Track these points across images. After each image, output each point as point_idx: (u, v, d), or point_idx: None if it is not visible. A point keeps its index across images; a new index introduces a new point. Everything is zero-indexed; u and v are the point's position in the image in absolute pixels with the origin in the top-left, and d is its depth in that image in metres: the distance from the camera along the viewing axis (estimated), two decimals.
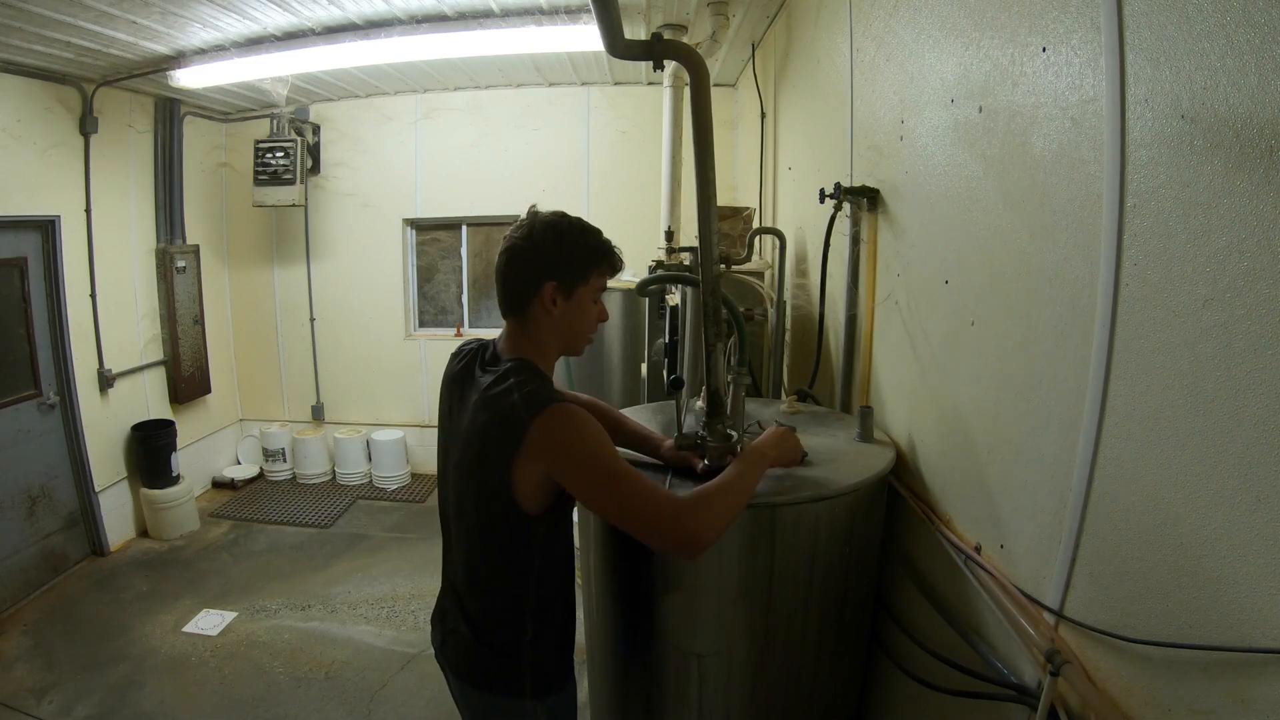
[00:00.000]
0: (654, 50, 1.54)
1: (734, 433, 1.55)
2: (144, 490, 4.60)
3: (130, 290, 4.66)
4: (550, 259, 1.41)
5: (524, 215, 1.48)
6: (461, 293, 5.68)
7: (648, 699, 1.65)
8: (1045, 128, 1.15)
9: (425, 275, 5.70)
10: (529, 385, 1.31)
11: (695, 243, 1.81)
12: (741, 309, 1.86)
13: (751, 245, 2.84)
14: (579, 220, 1.48)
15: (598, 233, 1.49)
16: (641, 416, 1.97)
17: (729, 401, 1.63)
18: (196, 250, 5.10)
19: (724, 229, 3.03)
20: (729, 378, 1.69)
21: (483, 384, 1.37)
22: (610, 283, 1.56)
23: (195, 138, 5.08)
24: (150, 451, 4.61)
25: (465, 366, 1.47)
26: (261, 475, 5.65)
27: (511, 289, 1.42)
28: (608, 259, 1.48)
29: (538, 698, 1.42)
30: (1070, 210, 1.08)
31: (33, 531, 3.95)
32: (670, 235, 3.52)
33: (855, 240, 2.03)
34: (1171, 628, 0.88)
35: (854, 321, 2.09)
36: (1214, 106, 0.80)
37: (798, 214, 2.92)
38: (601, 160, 5.17)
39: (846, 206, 2.03)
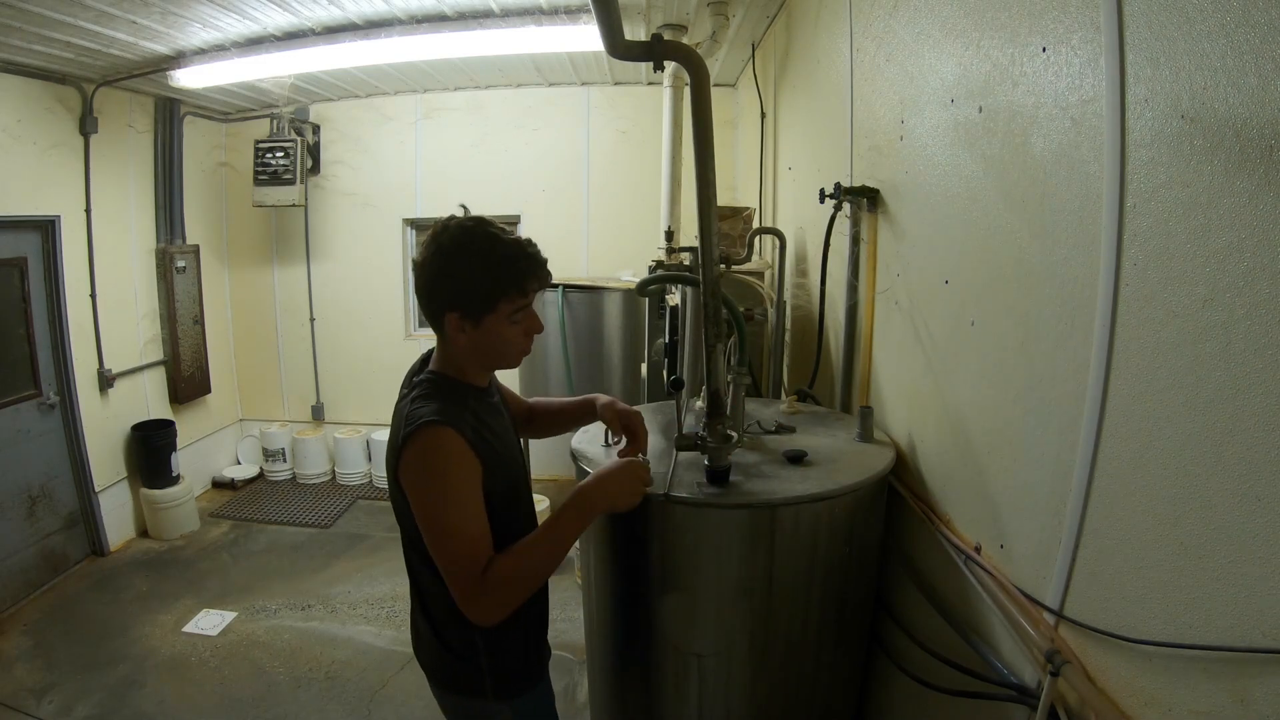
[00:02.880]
0: (654, 51, 1.54)
1: (734, 433, 1.55)
2: (144, 490, 4.60)
3: (130, 290, 4.66)
4: (448, 288, 1.30)
5: (440, 220, 1.34)
6: None
7: (648, 699, 1.65)
8: (1045, 128, 1.15)
9: None
10: (418, 404, 1.28)
11: (695, 243, 1.81)
12: (741, 309, 1.86)
13: (751, 245, 2.84)
14: (488, 234, 1.30)
15: (512, 247, 1.31)
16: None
17: (729, 401, 1.63)
18: (196, 250, 5.10)
19: (724, 229, 3.03)
20: (729, 378, 1.69)
21: (401, 394, 1.39)
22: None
23: (195, 138, 5.07)
24: (150, 451, 4.61)
25: (410, 372, 1.47)
26: (261, 475, 5.65)
27: (422, 307, 1.35)
28: (516, 282, 1.30)
29: (502, 699, 1.40)
30: (1070, 210, 1.08)
31: (33, 531, 3.95)
32: (670, 235, 3.52)
33: (855, 240, 2.03)
34: (1171, 628, 0.88)
35: (854, 321, 2.09)
36: (1214, 106, 0.80)
37: (798, 214, 2.92)
38: (601, 160, 5.17)
39: (846, 206, 2.03)
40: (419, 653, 1.49)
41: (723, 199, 3.88)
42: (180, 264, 4.91)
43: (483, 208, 5.32)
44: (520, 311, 1.33)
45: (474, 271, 1.28)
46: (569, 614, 3.38)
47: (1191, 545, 0.85)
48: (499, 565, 1.23)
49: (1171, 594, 0.88)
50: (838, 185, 1.98)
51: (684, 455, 1.59)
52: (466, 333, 1.31)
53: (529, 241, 1.35)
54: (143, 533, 4.67)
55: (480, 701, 1.40)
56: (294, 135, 4.95)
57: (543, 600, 1.52)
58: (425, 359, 1.46)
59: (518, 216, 5.30)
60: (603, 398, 1.62)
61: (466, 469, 1.25)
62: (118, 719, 2.92)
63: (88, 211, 4.27)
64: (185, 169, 4.94)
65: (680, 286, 2.66)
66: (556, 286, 3.70)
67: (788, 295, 2.85)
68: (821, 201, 2.07)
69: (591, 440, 1.74)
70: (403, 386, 1.43)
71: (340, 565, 4.28)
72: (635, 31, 3.66)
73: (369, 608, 3.79)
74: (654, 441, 1.75)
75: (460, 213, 1.36)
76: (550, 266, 1.37)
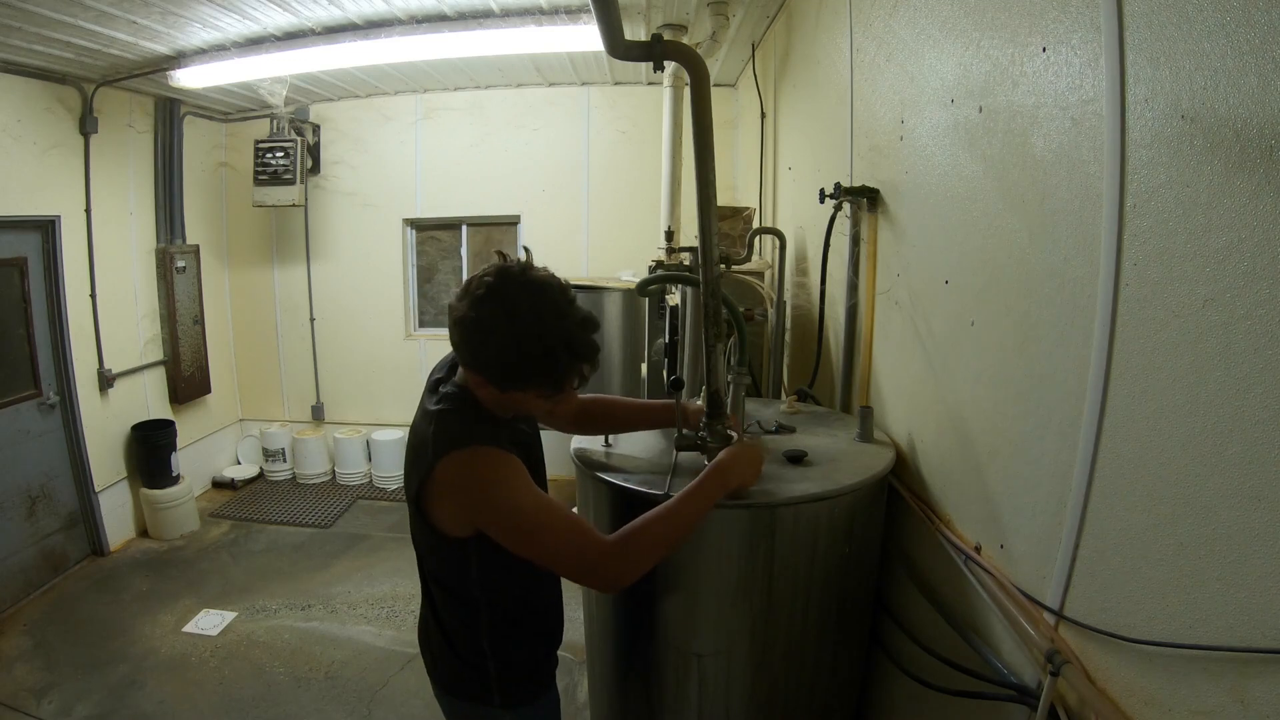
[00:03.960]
0: (654, 51, 1.53)
1: (734, 433, 1.55)
2: (144, 490, 4.60)
3: (130, 290, 4.66)
4: (476, 354, 1.20)
5: (491, 265, 1.20)
6: None
7: (648, 699, 1.65)
8: (1045, 128, 1.15)
9: (425, 275, 5.70)
10: (448, 421, 1.23)
11: (695, 243, 1.80)
12: (741, 309, 1.86)
13: (751, 245, 2.84)
14: (534, 314, 1.15)
15: (560, 334, 1.16)
16: None
17: (729, 402, 1.63)
18: (196, 250, 5.10)
19: (724, 229, 3.03)
20: (729, 378, 1.69)
21: (428, 403, 1.32)
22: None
23: (195, 138, 5.07)
24: (150, 451, 4.61)
25: (437, 377, 1.41)
26: (261, 475, 5.65)
27: (453, 347, 1.26)
28: (553, 380, 1.19)
29: (508, 707, 1.40)
30: (1070, 210, 1.08)
31: (33, 531, 3.95)
32: (670, 235, 3.51)
33: (855, 240, 2.03)
34: (1171, 628, 0.88)
35: (854, 321, 2.09)
36: (1214, 106, 0.80)
37: (798, 214, 2.92)
38: (601, 160, 5.17)
39: (846, 206, 2.03)
40: (427, 657, 1.49)
41: (723, 199, 3.88)
42: (180, 264, 4.91)
43: (483, 208, 5.34)
44: (553, 396, 1.24)
45: (508, 355, 1.17)
46: (569, 614, 3.36)
47: (1191, 545, 0.85)
48: (633, 526, 1.21)
49: (1171, 594, 0.88)
50: (838, 185, 1.98)
51: (684, 455, 1.59)
52: (489, 391, 1.24)
53: (585, 321, 1.21)
54: (143, 533, 4.67)
55: (486, 709, 1.40)
56: (294, 135, 4.95)
57: (556, 613, 1.52)
58: (453, 364, 1.38)
59: (518, 216, 5.30)
60: (693, 404, 1.61)
61: (521, 471, 1.22)
62: (118, 719, 2.92)
63: (88, 211, 4.27)
64: (185, 169, 4.94)
65: (680, 286, 2.66)
66: None
67: (788, 295, 2.85)
68: (821, 201, 2.07)
69: (593, 441, 1.74)
70: (426, 390, 1.37)
71: (340, 565, 4.28)
72: (635, 31, 3.66)
73: (369, 608, 3.79)
74: (654, 441, 1.75)
75: (522, 257, 1.22)
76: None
